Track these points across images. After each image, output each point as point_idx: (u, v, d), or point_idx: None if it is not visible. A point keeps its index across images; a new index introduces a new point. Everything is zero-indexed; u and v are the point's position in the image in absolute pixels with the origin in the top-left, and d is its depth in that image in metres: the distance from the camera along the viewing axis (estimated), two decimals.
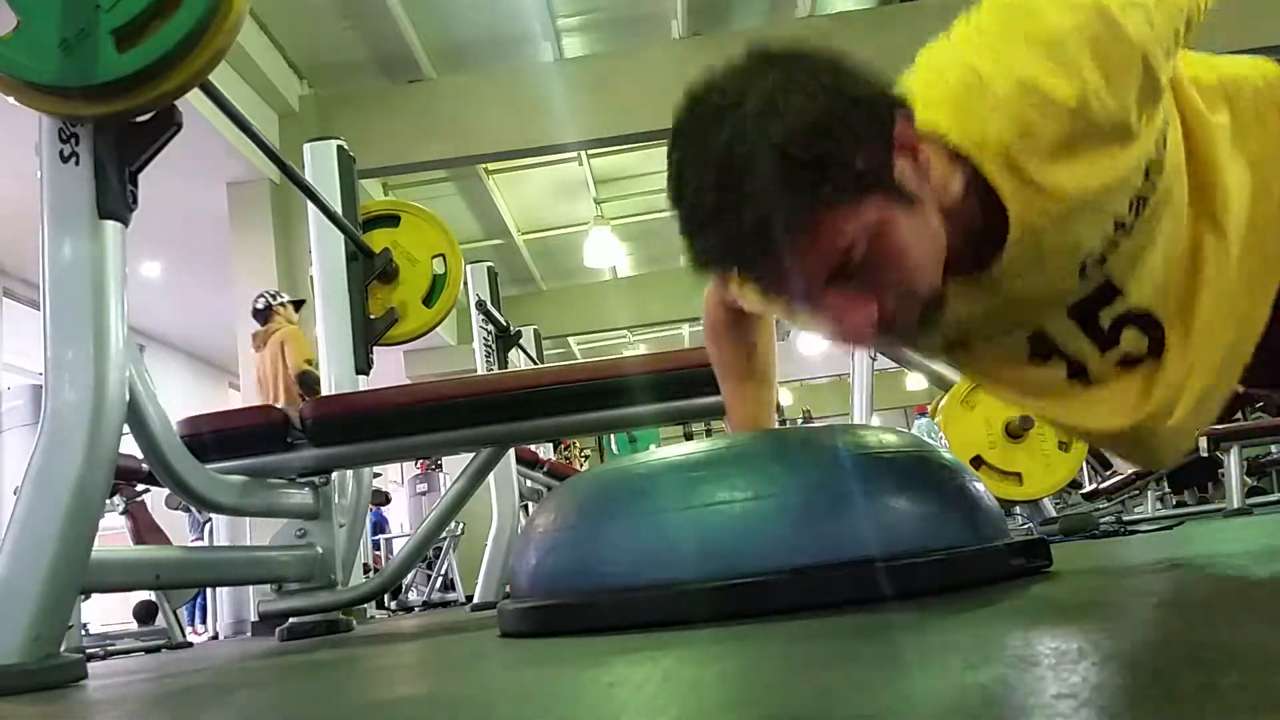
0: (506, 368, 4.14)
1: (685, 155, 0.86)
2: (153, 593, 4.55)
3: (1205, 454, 4.87)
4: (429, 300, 2.94)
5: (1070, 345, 1.04)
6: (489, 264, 4.28)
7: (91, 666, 1.46)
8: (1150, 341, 1.03)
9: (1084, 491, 4.99)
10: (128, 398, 1.37)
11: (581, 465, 7.91)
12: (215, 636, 4.87)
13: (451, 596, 7.34)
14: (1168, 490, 6.28)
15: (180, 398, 8.50)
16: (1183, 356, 1.00)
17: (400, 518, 10.74)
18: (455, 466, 4.46)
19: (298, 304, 5.05)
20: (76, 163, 1.33)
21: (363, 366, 2.65)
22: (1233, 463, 4.67)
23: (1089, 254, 0.94)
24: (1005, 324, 1.04)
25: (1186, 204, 0.97)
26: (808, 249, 0.84)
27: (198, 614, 6.97)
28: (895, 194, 0.84)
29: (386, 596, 6.05)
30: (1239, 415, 6.38)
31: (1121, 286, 0.98)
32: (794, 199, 0.81)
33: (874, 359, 3.66)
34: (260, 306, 4.98)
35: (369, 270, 2.76)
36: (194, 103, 1.84)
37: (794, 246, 0.83)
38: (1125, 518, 4.84)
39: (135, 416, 1.45)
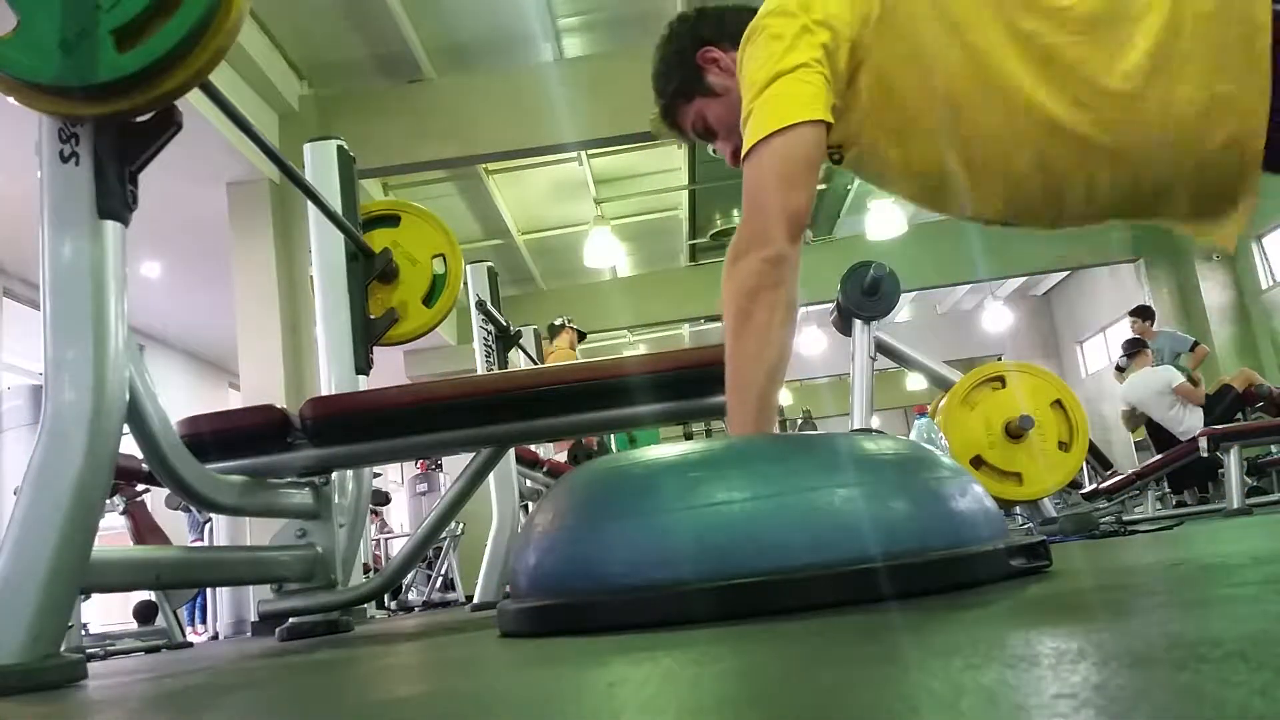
0: (506, 368, 4.14)
1: None
2: (153, 593, 4.56)
3: (1205, 454, 4.87)
4: (429, 300, 2.94)
5: None
6: (489, 264, 4.28)
7: (91, 666, 1.46)
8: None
9: (1084, 491, 4.99)
10: (128, 398, 1.37)
11: None
12: (215, 636, 4.87)
13: (451, 596, 7.35)
14: (1168, 490, 6.28)
15: (180, 398, 8.51)
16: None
17: (400, 518, 10.75)
18: (455, 466, 4.46)
19: (581, 335, 6.00)
20: (76, 163, 1.33)
21: (363, 366, 2.65)
22: (1233, 463, 4.67)
23: None
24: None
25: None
26: (681, 125, 1.58)
27: (198, 614, 6.98)
28: (706, 92, 1.52)
29: (386, 597, 6.05)
30: (1239, 415, 6.38)
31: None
32: (661, 102, 1.59)
33: (874, 359, 3.66)
34: (557, 324, 5.89)
35: (369, 270, 2.76)
36: (194, 103, 1.84)
37: (676, 123, 1.59)
38: (1125, 518, 4.84)
39: (135, 416, 1.45)
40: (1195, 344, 7.34)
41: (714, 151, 1.60)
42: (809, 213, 1.33)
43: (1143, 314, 7.39)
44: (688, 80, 1.53)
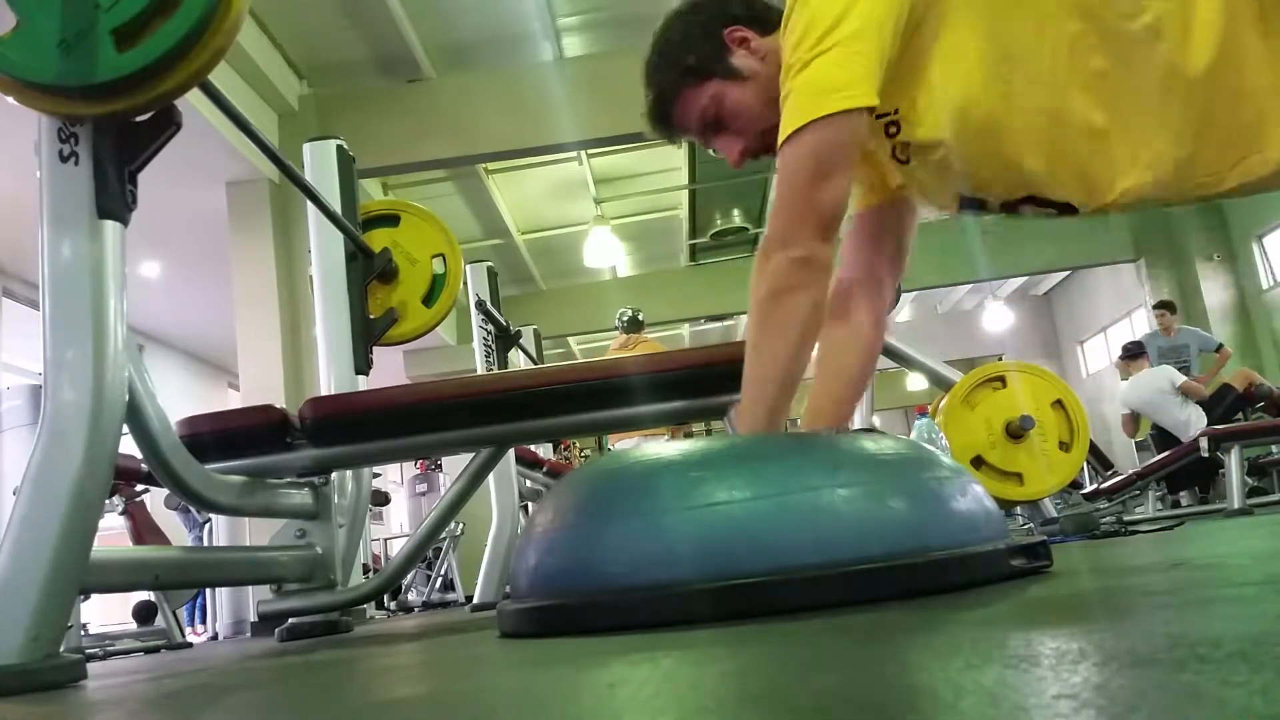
0: (506, 368, 4.14)
1: None
2: (152, 593, 4.55)
3: (1206, 454, 4.87)
4: (429, 300, 2.94)
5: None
6: (489, 264, 4.28)
7: (91, 667, 1.46)
8: (1057, 209, 1.28)
9: (1085, 492, 4.99)
10: (127, 398, 1.37)
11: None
12: (215, 637, 4.87)
13: (451, 597, 7.34)
14: (1166, 491, 6.27)
15: (180, 398, 8.51)
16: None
17: (400, 518, 10.75)
18: (455, 466, 4.47)
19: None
20: (76, 163, 1.33)
21: (363, 366, 2.65)
22: (1233, 463, 4.66)
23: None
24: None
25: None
26: (682, 113, 1.38)
27: (197, 614, 6.97)
28: (730, 75, 1.33)
29: (386, 597, 6.05)
30: (1239, 415, 6.38)
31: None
32: (662, 82, 1.38)
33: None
34: (641, 319, 6.25)
35: (369, 270, 2.76)
36: (194, 103, 1.84)
37: (674, 112, 1.38)
38: (1126, 518, 4.83)
39: (135, 416, 1.45)
40: (1220, 346, 7.30)
41: (714, 152, 1.43)
42: (843, 206, 1.25)
43: (1170, 307, 7.34)
44: (708, 57, 1.34)
